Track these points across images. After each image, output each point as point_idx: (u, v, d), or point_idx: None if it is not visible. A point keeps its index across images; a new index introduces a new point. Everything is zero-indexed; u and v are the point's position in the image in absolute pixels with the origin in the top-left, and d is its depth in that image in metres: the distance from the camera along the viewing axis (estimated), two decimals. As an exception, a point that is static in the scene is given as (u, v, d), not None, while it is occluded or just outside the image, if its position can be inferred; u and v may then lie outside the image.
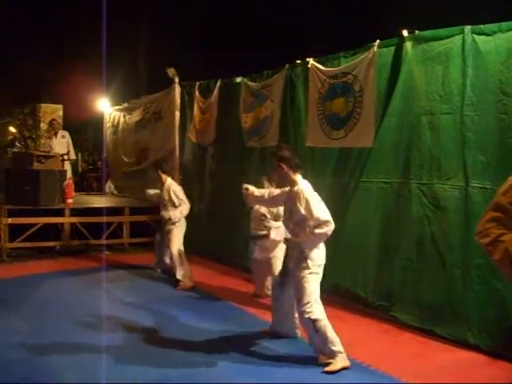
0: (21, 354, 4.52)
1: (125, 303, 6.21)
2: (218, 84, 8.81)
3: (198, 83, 9.44)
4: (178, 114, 9.93)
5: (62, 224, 9.20)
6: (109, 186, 12.82)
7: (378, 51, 5.87)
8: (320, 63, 6.66)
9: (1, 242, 8.55)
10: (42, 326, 5.31)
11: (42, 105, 13.23)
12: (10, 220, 8.60)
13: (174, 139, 9.95)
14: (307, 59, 6.81)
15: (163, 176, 7.20)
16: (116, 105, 13.22)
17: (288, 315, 4.95)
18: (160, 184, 7.26)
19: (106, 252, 9.26)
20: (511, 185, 2.44)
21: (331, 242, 6.35)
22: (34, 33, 15.88)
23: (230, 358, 4.56)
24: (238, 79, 8.35)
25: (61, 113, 13.17)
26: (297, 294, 4.53)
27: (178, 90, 9.94)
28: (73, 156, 11.83)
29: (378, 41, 5.90)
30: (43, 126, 12.99)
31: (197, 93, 9.37)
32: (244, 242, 7.16)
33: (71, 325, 5.31)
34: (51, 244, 9.14)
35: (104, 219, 9.29)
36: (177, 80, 9.95)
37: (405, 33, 5.57)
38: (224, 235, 8.36)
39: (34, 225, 8.79)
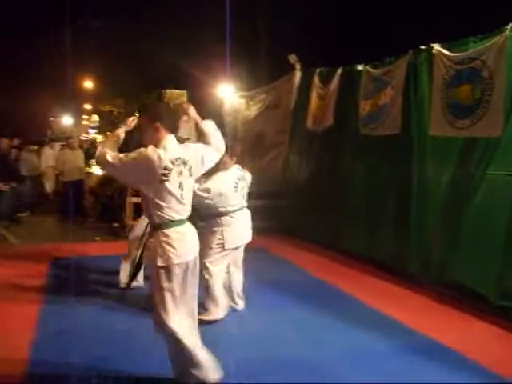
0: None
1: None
2: (339, 72, 8.69)
3: (317, 70, 9.37)
4: (294, 100, 10.00)
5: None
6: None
7: (510, 35, 5.49)
8: (446, 49, 6.35)
9: (125, 219, 9.07)
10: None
11: (168, 90, 13.80)
12: (133, 199, 8.94)
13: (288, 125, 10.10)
14: (432, 45, 6.54)
15: None
16: (238, 92, 13.45)
17: None
18: None
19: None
20: None
21: (448, 236, 6.08)
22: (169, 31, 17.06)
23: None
24: (360, 67, 8.14)
25: (184, 98, 13.66)
26: None
27: (298, 76, 9.96)
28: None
29: (510, 24, 5.51)
30: (168, 110, 13.52)
31: (316, 79, 9.29)
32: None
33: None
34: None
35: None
36: (298, 67, 9.95)
37: (541, 15, 5.19)
38: (336, 221, 8.36)
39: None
